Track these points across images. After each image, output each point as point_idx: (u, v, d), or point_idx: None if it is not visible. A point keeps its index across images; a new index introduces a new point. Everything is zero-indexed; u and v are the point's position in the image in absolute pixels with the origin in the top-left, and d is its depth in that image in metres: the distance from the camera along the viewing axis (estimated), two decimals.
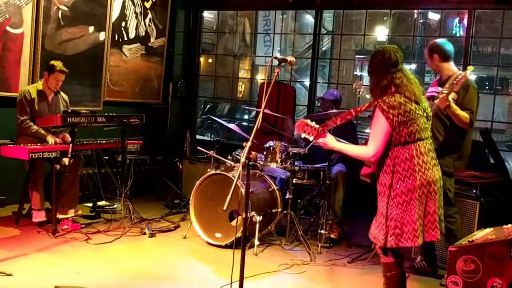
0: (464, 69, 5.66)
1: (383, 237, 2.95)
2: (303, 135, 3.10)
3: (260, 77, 13.17)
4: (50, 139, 4.83)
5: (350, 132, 5.24)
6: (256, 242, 4.46)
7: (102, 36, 6.21)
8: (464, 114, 3.80)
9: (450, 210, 3.96)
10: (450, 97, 3.67)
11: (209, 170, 5.01)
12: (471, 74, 3.76)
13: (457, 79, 3.66)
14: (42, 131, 4.84)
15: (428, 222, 2.95)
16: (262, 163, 5.01)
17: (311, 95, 6.84)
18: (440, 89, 3.95)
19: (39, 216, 4.84)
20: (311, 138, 3.10)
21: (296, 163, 4.94)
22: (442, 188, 3.07)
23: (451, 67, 4.06)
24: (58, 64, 4.90)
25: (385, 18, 11.35)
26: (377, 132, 2.93)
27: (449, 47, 4.07)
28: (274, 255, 4.53)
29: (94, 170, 5.35)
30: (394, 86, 2.95)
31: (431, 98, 4.00)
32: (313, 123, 3.09)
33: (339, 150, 3.12)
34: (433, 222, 2.96)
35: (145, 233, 4.84)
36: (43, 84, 4.98)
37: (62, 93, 5.19)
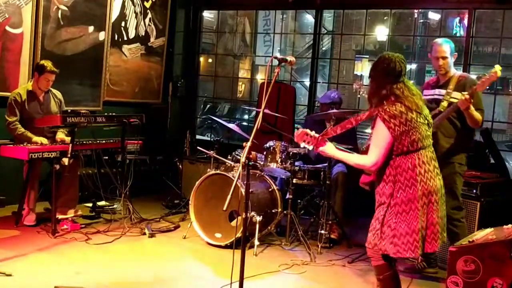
0: (464, 69, 5.68)
1: (378, 242, 2.94)
2: (302, 145, 3.07)
3: (260, 77, 13.16)
4: (38, 140, 4.78)
5: (350, 133, 5.23)
6: (256, 242, 4.45)
7: (102, 36, 6.21)
8: (478, 115, 3.77)
9: (458, 214, 3.97)
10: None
11: (209, 170, 5.01)
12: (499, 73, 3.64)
13: (486, 78, 3.53)
14: (29, 134, 4.80)
15: (431, 233, 2.92)
16: (262, 163, 5.00)
17: (311, 95, 6.84)
18: (442, 91, 3.91)
19: (30, 220, 4.84)
20: (310, 147, 3.07)
21: (296, 163, 4.94)
22: (444, 197, 3.04)
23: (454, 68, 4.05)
24: (48, 64, 4.88)
25: (385, 18, 11.32)
26: (379, 141, 2.90)
27: None
28: (274, 255, 4.52)
29: (93, 170, 5.35)
30: (393, 96, 2.92)
31: (435, 102, 3.97)
32: (312, 133, 3.05)
33: (339, 158, 3.09)
34: (435, 233, 2.93)
35: (145, 233, 4.84)
36: (33, 85, 4.96)
37: (53, 90, 5.15)
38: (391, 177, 2.92)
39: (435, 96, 4.00)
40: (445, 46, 3.96)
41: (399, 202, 2.89)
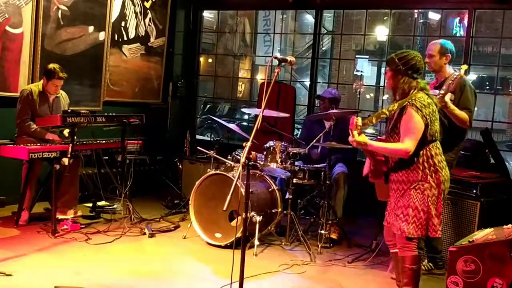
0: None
1: (412, 227, 3.14)
2: (355, 133, 3.14)
3: (260, 77, 13.18)
4: (51, 136, 4.83)
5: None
6: (256, 242, 4.45)
7: (102, 36, 6.21)
8: (462, 114, 3.84)
9: None
10: (446, 98, 3.71)
11: (209, 170, 5.00)
12: (466, 73, 3.83)
13: (453, 79, 3.72)
14: (42, 130, 4.86)
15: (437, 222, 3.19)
16: (262, 163, 5.00)
17: (311, 95, 6.83)
18: (437, 91, 3.95)
19: (22, 220, 4.83)
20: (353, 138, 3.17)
21: (296, 163, 4.94)
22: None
23: (451, 69, 4.07)
24: (56, 70, 4.88)
25: (385, 18, 11.33)
26: (413, 129, 3.09)
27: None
28: (274, 255, 4.52)
29: (94, 170, 5.35)
30: (419, 88, 3.17)
31: None
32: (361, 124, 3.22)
33: (375, 149, 3.21)
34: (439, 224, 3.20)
35: (144, 233, 4.84)
36: (43, 86, 4.98)
37: (62, 92, 5.18)
38: (418, 164, 3.13)
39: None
40: (434, 45, 4.07)
41: (429, 187, 3.12)
